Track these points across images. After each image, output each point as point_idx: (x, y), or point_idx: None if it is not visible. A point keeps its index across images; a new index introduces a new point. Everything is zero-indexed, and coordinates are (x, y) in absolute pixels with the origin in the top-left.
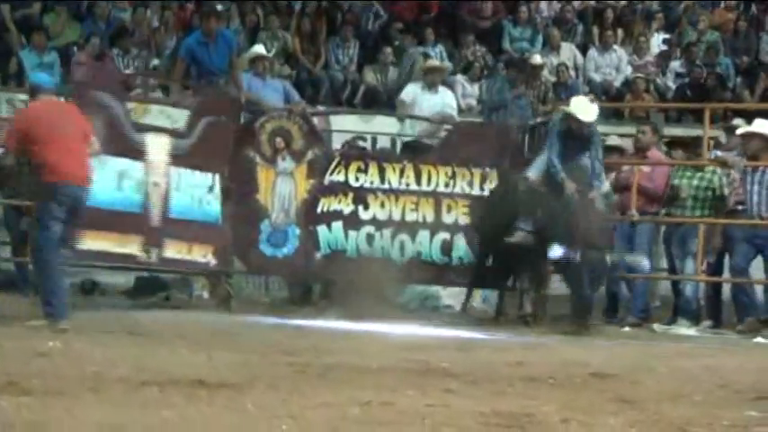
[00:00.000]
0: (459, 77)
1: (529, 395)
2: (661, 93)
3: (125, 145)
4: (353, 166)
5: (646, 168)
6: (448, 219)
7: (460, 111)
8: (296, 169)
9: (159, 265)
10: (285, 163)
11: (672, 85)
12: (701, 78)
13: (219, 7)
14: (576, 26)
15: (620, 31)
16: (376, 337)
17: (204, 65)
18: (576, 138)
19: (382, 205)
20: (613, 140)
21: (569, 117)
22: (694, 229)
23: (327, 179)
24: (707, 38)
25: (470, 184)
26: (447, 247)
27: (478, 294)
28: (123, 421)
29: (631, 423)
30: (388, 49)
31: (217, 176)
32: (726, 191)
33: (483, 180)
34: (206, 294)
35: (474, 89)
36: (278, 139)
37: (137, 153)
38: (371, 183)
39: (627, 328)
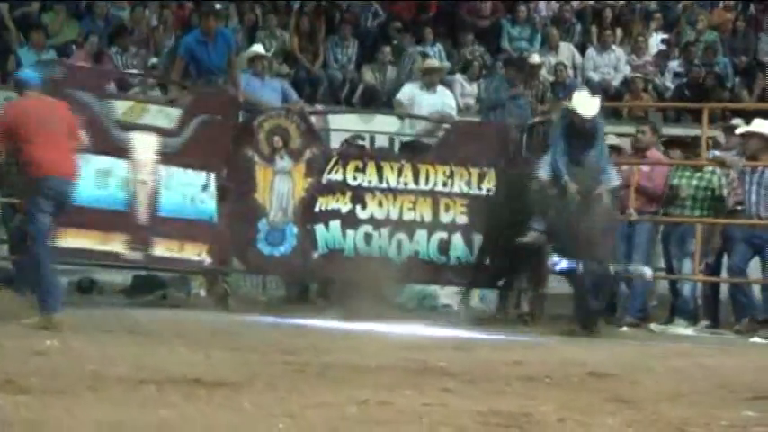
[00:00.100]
0: (458, 77)
1: (526, 394)
2: (659, 92)
3: (107, 143)
4: (351, 166)
5: (645, 168)
6: (446, 218)
7: (459, 110)
8: (294, 168)
9: (148, 263)
10: (283, 162)
11: (670, 84)
12: (699, 78)
13: (218, 6)
14: (574, 26)
15: (618, 31)
16: (374, 337)
17: (203, 64)
18: (579, 134)
19: (380, 204)
20: (612, 140)
21: (571, 113)
22: (693, 229)
23: (325, 178)
24: (705, 38)
25: (468, 184)
26: (445, 247)
27: (476, 293)
28: (122, 420)
29: (629, 423)
30: (387, 49)
31: (212, 175)
32: (725, 191)
33: (481, 179)
34: (203, 293)
35: (473, 88)
36: (276, 138)
37: (121, 151)
38: (369, 182)
39: (625, 328)
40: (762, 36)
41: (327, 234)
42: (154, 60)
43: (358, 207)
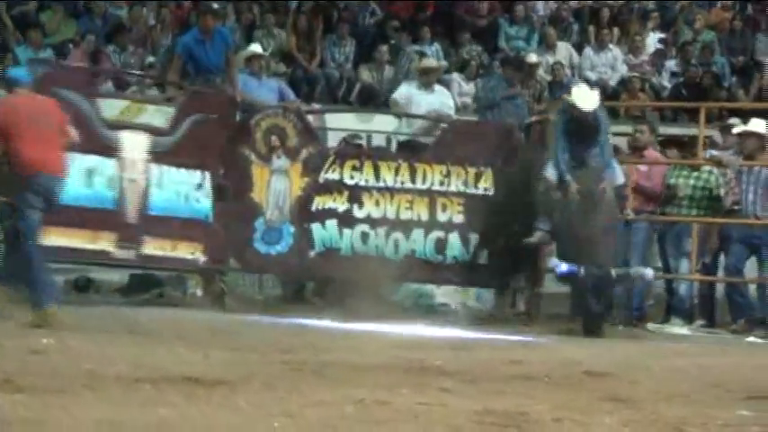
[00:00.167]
0: (455, 76)
1: (525, 394)
2: (656, 92)
3: (94, 142)
4: (348, 165)
5: (642, 167)
6: (442, 217)
7: (456, 110)
8: (291, 167)
9: (140, 262)
10: (280, 161)
11: (667, 84)
12: (696, 78)
13: (216, 6)
14: (571, 25)
15: (616, 30)
16: (372, 336)
17: (201, 63)
18: (581, 129)
19: (377, 203)
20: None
21: (571, 107)
22: (689, 228)
23: (322, 177)
24: (702, 37)
25: (465, 183)
26: (441, 246)
27: (472, 293)
28: (121, 419)
29: (626, 422)
30: (384, 48)
31: (207, 174)
32: (722, 191)
33: (478, 179)
34: (200, 292)
35: (470, 88)
36: (273, 137)
37: (108, 150)
38: (366, 181)
39: (621, 327)
40: (759, 36)
41: (324, 233)
42: (151, 59)
43: (355, 206)
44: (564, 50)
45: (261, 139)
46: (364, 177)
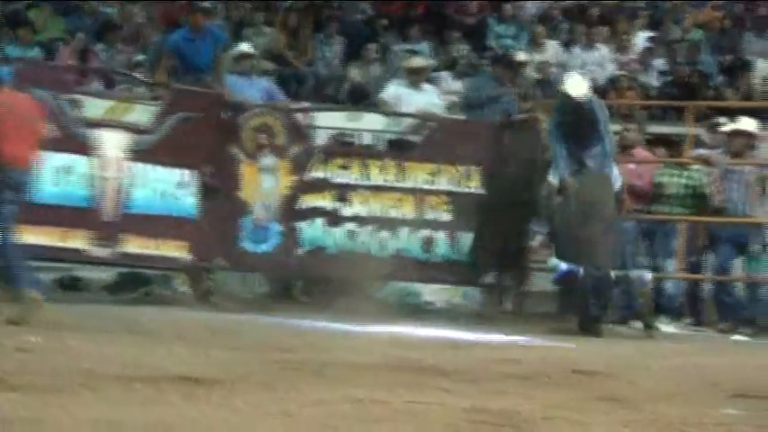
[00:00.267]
0: (444, 74)
1: (522, 393)
2: (645, 90)
3: (67, 140)
4: (336, 163)
5: (631, 166)
6: (430, 216)
7: (446, 108)
8: (278, 165)
9: (119, 260)
10: (268, 159)
11: (655, 82)
12: (685, 77)
13: (206, 4)
14: (560, 24)
15: (604, 29)
16: (368, 335)
17: (190, 61)
18: (577, 122)
19: (364, 202)
20: None
21: (564, 97)
22: (677, 227)
23: (310, 175)
24: (691, 36)
25: (453, 182)
26: (428, 244)
27: (459, 291)
28: (120, 418)
29: (619, 421)
30: (373, 46)
31: (192, 172)
32: (709, 189)
33: (466, 177)
34: (187, 290)
35: (459, 86)
36: (261, 136)
37: (84, 148)
38: (353, 179)
39: (610, 326)
40: (746, 34)
41: (311, 231)
42: (140, 57)
43: (342, 204)
44: (552, 49)
45: (249, 138)
46: (352, 176)
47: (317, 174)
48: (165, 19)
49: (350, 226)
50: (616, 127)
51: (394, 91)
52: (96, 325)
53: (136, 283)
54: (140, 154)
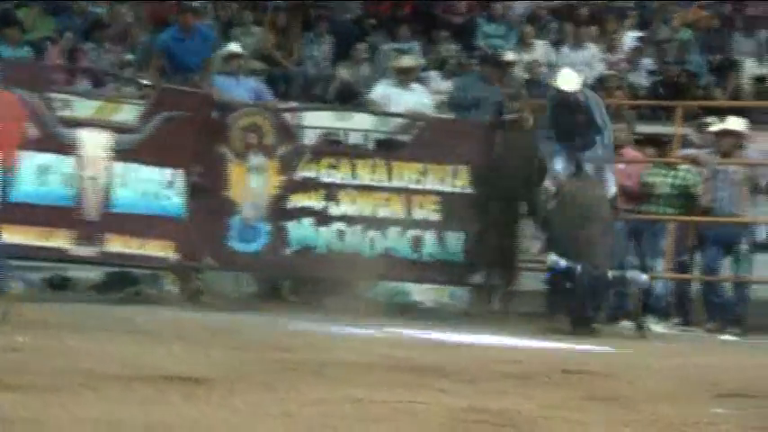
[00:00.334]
0: (433, 74)
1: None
2: (633, 90)
3: (48, 140)
4: (325, 162)
5: (620, 166)
6: (419, 215)
7: (436, 108)
8: (267, 165)
9: (104, 259)
10: (256, 159)
11: (644, 82)
12: (674, 76)
13: (196, 3)
14: (549, 23)
15: (594, 29)
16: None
17: (179, 61)
18: (570, 115)
19: (353, 201)
20: None
21: (555, 91)
22: (665, 226)
23: (298, 175)
24: (679, 36)
25: (442, 181)
26: (417, 244)
27: (447, 291)
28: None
29: (618, 421)
30: (362, 46)
31: (179, 172)
32: (698, 189)
33: (455, 176)
34: (176, 290)
35: (448, 86)
36: (249, 135)
37: (65, 148)
38: (342, 179)
39: (599, 325)
40: (735, 34)
41: (300, 231)
42: (128, 57)
43: (331, 204)
44: (541, 49)
45: (237, 137)
46: (340, 175)
47: (306, 173)
48: (154, 18)
49: (338, 225)
50: None
51: (383, 91)
52: (93, 324)
53: (124, 282)
54: (124, 153)
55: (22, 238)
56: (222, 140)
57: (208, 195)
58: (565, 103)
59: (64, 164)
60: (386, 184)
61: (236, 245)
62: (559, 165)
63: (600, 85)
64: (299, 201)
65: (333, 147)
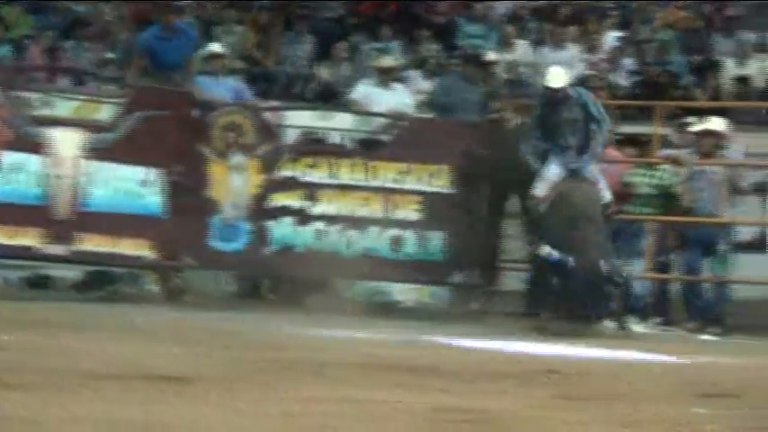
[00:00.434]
0: (414, 74)
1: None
2: (613, 90)
3: (17, 139)
4: (305, 162)
5: (603, 165)
6: (399, 215)
7: (415, 107)
8: (247, 164)
9: (76, 258)
10: (237, 158)
11: (624, 82)
12: (655, 77)
13: (178, 3)
14: (529, 23)
15: (574, 29)
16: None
17: (161, 59)
18: (557, 113)
19: (332, 201)
20: None
21: (544, 90)
22: (645, 227)
23: (279, 174)
24: (660, 36)
25: (422, 181)
26: (397, 243)
27: (427, 290)
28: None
29: (582, 420)
30: (343, 45)
31: (156, 171)
32: (679, 189)
33: (435, 176)
34: (156, 289)
35: (429, 85)
36: (230, 134)
37: (34, 146)
38: (322, 178)
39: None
40: (715, 35)
41: (280, 230)
42: (109, 55)
43: (311, 203)
44: (522, 49)
45: (218, 136)
46: (321, 175)
47: (287, 172)
48: (136, 17)
49: (319, 225)
50: None
51: (363, 90)
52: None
53: (104, 281)
54: (98, 152)
55: None
56: (203, 139)
57: (188, 194)
58: (554, 101)
59: (33, 163)
60: (366, 183)
61: (217, 244)
62: (553, 170)
63: (581, 85)
64: (279, 200)
65: (313, 146)
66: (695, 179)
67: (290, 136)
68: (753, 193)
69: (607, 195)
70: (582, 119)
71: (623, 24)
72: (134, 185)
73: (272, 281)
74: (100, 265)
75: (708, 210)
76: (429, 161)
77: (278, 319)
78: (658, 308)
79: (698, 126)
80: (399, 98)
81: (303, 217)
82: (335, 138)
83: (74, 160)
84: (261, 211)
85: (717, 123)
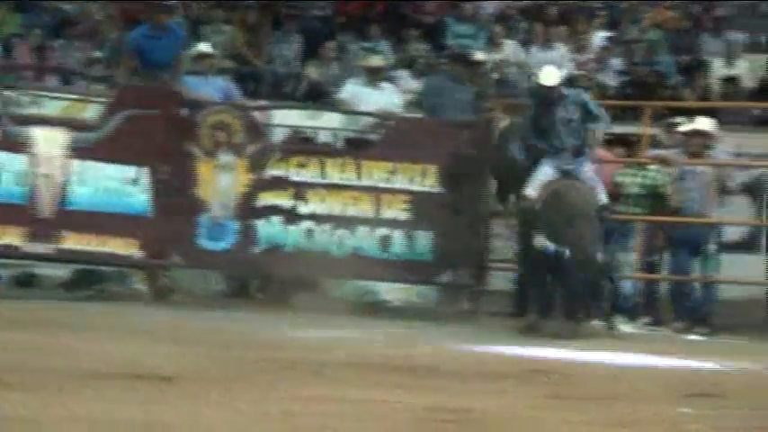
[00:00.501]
0: (402, 73)
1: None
2: (602, 90)
3: (2, 138)
4: (294, 161)
5: (593, 166)
6: (387, 214)
7: (403, 107)
8: (236, 163)
9: (61, 256)
10: (225, 157)
11: (612, 82)
12: (643, 77)
13: (168, 2)
14: (518, 23)
15: (563, 29)
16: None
17: (150, 58)
18: (549, 112)
19: (322, 200)
20: None
21: (536, 87)
22: (634, 226)
23: (267, 173)
24: (649, 36)
25: (411, 180)
26: (386, 243)
27: (415, 290)
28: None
29: (566, 420)
30: (331, 45)
31: (143, 169)
32: (668, 189)
33: (423, 175)
34: (144, 288)
35: (417, 85)
36: (218, 133)
37: (17, 146)
38: (311, 177)
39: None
40: (704, 35)
41: (269, 229)
42: (97, 54)
43: (300, 203)
44: (510, 48)
45: (206, 135)
46: (309, 174)
47: (275, 172)
48: (125, 16)
49: (307, 224)
50: None
51: (352, 90)
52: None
53: (90, 280)
54: (83, 151)
55: None
56: (191, 138)
57: (176, 193)
58: (549, 100)
59: (16, 162)
60: (355, 182)
61: (205, 243)
62: (545, 171)
63: (569, 84)
64: (267, 199)
65: (302, 145)
66: (684, 179)
67: (279, 135)
68: (741, 193)
69: (603, 197)
70: (578, 119)
71: (611, 24)
72: (121, 184)
73: (260, 280)
74: (86, 263)
75: (696, 210)
76: (418, 161)
77: (267, 318)
78: (647, 308)
79: (686, 126)
80: (388, 98)
81: (291, 216)
82: (324, 137)
83: (59, 159)
84: (249, 211)
85: (705, 123)
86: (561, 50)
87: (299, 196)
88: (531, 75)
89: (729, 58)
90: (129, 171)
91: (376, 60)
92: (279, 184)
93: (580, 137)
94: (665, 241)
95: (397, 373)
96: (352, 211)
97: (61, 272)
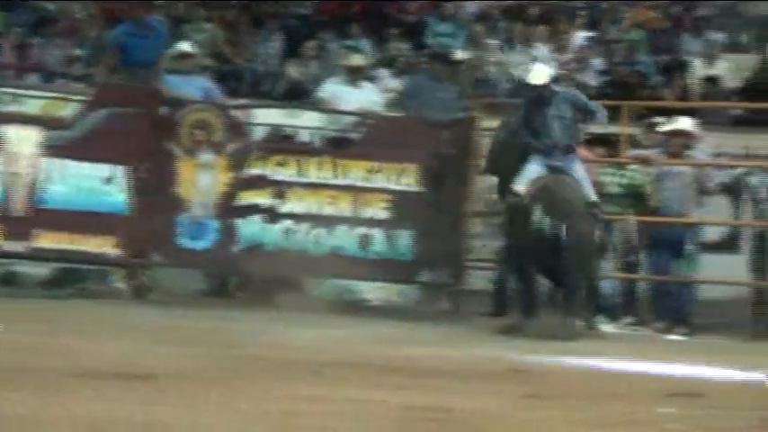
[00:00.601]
0: (383, 72)
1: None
2: (582, 90)
3: None
4: (273, 160)
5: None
6: (367, 213)
7: (384, 106)
8: (216, 162)
9: (34, 255)
10: (205, 155)
11: (593, 82)
12: (624, 77)
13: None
14: (499, 22)
15: (543, 29)
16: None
17: (134, 56)
18: (544, 111)
19: (301, 199)
20: None
21: (525, 86)
22: (613, 226)
23: (247, 172)
24: (629, 36)
25: (390, 179)
26: (365, 242)
27: (395, 289)
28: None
29: (545, 419)
30: (311, 44)
31: (120, 168)
32: (647, 189)
33: (403, 174)
34: (123, 286)
35: (398, 84)
36: (198, 132)
37: None
38: (291, 176)
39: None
40: (684, 35)
41: (248, 228)
42: (77, 52)
43: (279, 201)
44: (491, 48)
45: (186, 134)
46: (289, 173)
47: (255, 170)
48: (105, 15)
49: (287, 223)
50: None
51: (332, 88)
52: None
53: (70, 279)
54: (57, 149)
55: None
56: (171, 137)
57: (156, 192)
58: (539, 98)
59: None
60: (334, 181)
61: (185, 242)
62: (533, 168)
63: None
64: (248, 198)
65: (282, 144)
66: (664, 179)
67: (259, 134)
68: (720, 192)
69: (593, 195)
70: (570, 117)
71: (592, 24)
72: (96, 183)
73: (239, 278)
74: (63, 262)
75: (675, 210)
76: (398, 159)
77: (247, 317)
78: (627, 308)
79: (666, 126)
80: (368, 96)
81: (272, 215)
82: (304, 136)
83: (30, 158)
84: (229, 209)
85: (685, 123)
86: (542, 50)
87: (280, 195)
88: (518, 74)
89: (710, 59)
90: (108, 169)
91: (356, 59)
92: (259, 182)
93: (573, 135)
94: (644, 241)
95: (378, 372)
96: (332, 209)
97: (43, 270)
